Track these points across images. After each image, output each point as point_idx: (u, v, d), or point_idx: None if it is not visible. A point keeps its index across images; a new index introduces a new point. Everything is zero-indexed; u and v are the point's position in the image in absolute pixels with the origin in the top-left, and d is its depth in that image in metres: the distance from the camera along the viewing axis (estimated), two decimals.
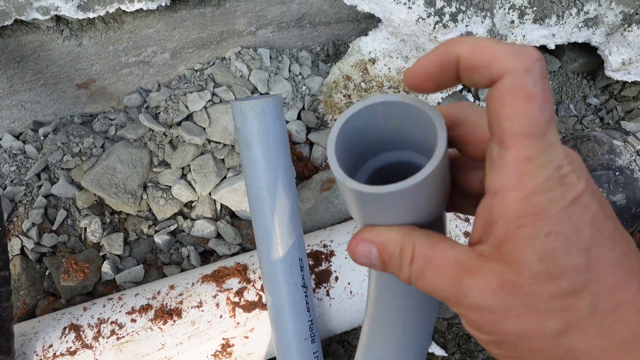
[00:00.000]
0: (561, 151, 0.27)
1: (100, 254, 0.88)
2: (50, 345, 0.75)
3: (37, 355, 0.74)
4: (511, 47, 0.27)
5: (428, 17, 0.87)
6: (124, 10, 0.81)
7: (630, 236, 0.28)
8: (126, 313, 0.77)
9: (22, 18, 0.76)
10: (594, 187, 0.28)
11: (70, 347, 0.75)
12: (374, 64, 1.00)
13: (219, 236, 0.90)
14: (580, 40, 0.96)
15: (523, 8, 0.88)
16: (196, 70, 0.98)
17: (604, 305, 0.27)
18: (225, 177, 0.92)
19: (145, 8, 0.80)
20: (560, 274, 0.26)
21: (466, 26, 0.89)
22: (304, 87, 1.01)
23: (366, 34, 1.01)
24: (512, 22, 0.89)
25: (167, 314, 0.77)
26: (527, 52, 0.26)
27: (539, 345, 0.28)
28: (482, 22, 0.89)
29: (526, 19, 0.89)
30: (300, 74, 1.01)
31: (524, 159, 0.26)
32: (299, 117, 0.99)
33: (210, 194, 0.91)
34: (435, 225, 0.34)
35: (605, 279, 0.27)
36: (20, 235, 0.87)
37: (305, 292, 0.74)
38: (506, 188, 0.27)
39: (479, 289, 0.28)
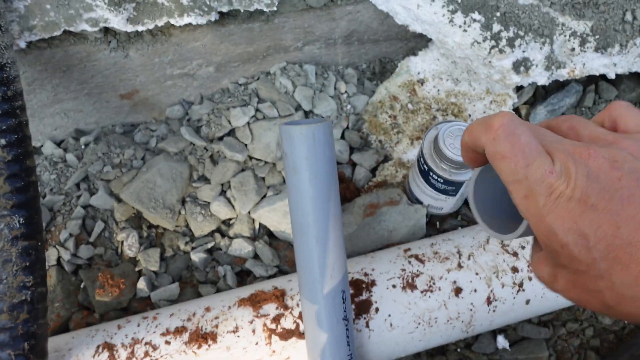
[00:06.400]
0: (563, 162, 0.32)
1: (136, 269, 0.86)
2: None
3: None
4: (482, 124, 0.36)
5: (484, 41, 0.84)
6: (172, 24, 0.79)
7: None
8: (160, 334, 0.75)
9: (71, 29, 0.75)
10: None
11: None
12: (422, 85, 0.97)
13: (256, 256, 0.88)
14: None
15: (585, 36, 0.84)
16: (240, 85, 0.96)
17: None
18: (265, 196, 0.90)
19: (194, 23, 0.78)
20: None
21: (523, 52, 0.85)
22: (348, 106, 0.98)
23: (415, 54, 0.98)
24: (573, 49, 0.85)
25: (202, 337, 0.75)
26: (492, 124, 0.35)
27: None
28: (540, 49, 0.85)
29: (587, 47, 0.85)
30: (345, 92, 0.99)
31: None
32: (342, 137, 0.97)
33: (249, 212, 0.89)
34: None
35: None
36: (57, 246, 0.86)
37: (346, 325, 0.71)
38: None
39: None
